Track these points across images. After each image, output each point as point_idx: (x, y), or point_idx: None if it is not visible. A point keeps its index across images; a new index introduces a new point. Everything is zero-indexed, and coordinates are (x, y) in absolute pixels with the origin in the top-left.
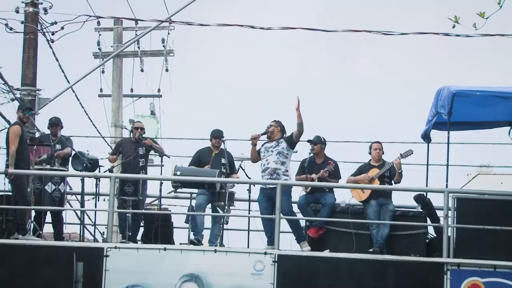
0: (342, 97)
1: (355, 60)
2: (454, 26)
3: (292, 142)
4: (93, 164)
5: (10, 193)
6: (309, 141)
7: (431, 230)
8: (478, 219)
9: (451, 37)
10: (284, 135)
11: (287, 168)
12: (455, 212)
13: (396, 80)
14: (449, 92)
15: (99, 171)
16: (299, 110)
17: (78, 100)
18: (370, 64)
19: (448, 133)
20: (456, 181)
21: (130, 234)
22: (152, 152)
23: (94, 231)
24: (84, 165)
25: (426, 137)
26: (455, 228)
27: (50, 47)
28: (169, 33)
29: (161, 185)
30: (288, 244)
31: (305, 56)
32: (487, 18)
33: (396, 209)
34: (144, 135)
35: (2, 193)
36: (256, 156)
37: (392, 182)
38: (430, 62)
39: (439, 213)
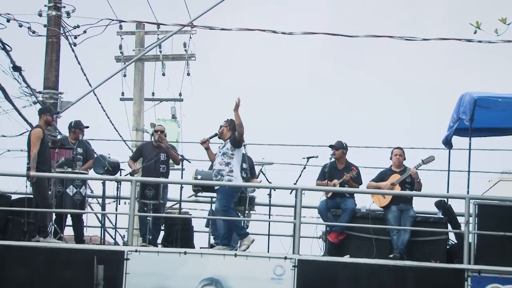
0: (361, 102)
1: (375, 63)
2: (475, 32)
3: (235, 143)
4: (114, 168)
5: (32, 196)
6: (330, 146)
7: (452, 236)
8: (499, 225)
9: (473, 43)
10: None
11: (232, 168)
12: (476, 218)
13: (417, 84)
14: (471, 98)
15: (120, 175)
16: (236, 111)
17: (100, 103)
18: (391, 67)
19: (470, 139)
20: (478, 187)
21: (150, 237)
22: None
23: (115, 234)
24: (106, 168)
25: (448, 143)
26: (476, 235)
27: (73, 50)
28: (190, 37)
29: (181, 189)
30: (308, 249)
31: (322, 59)
32: (509, 24)
33: (416, 215)
34: (164, 139)
35: (24, 196)
36: (214, 158)
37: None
38: (452, 67)
39: (460, 219)
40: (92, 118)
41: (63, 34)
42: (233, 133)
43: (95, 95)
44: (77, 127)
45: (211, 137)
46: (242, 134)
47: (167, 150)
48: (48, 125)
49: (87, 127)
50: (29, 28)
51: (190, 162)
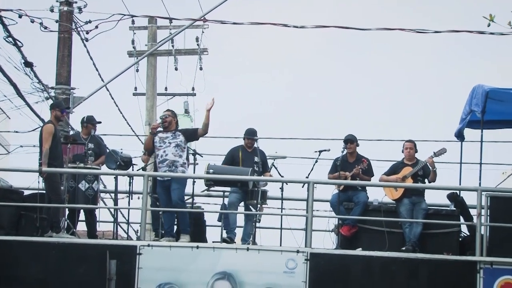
0: (372, 95)
1: (384, 57)
2: (489, 25)
3: (191, 137)
4: (126, 163)
5: (44, 192)
6: (346, 140)
7: (464, 228)
8: (511, 217)
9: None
10: (178, 127)
11: (184, 160)
12: (488, 210)
13: (429, 78)
14: (483, 91)
15: (133, 170)
16: (209, 111)
17: (112, 98)
18: (401, 62)
19: (482, 132)
20: (492, 180)
21: (163, 232)
22: None
23: (128, 229)
24: (118, 163)
25: (460, 135)
26: (488, 227)
27: (85, 45)
28: (203, 32)
29: (194, 184)
30: (320, 243)
31: (334, 54)
32: None
33: (429, 207)
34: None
35: (36, 192)
36: (151, 146)
37: (426, 180)
38: (464, 60)
39: (472, 212)
40: (105, 113)
41: (75, 30)
42: (177, 125)
43: (108, 90)
44: (89, 122)
45: (160, 125)
46: (206, 134)
47: None
48: (58, 120)
49: (100, 122)
50: (41, 23)
51: (202, 157)
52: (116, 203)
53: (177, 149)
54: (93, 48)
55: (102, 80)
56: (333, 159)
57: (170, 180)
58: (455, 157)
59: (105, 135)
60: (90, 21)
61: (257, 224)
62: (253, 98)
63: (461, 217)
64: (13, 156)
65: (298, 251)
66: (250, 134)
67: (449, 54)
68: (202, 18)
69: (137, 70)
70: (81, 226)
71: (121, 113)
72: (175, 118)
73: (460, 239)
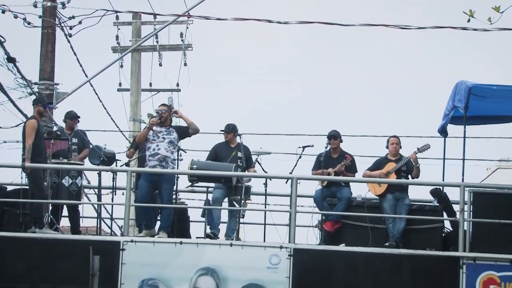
0: (358, 91)
1: (370, 52)
2: (469, 20)
3: (184, 135)
4: (110, 158)
5: (27, 187)
6: (329, 136)
7: (447, 224)
8: (494, 213)
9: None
10: (171, 122)
11: (175, 157)
12: (471, 206)
13: (412, 74)
14: (465, 87)
15: (116, 165)
16: (181, 116)
17: (96, 94)
18: (386, 57)
19: (464, 127)
20: (476, 175)
21: (143, 225)
22: None
23: (111, 225)
24: (101, 159)
25: (443, 131)
26: (471, 222)
27: (68, 41)
28: (187, 27)
29: (177, 179)
30: (304, 238)
31: (317, 49)
32: (502, 12)
33: (412, 203)
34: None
35: (19, 187)
36: (145, 139)
37: (409, 176)
38: (447, 56)
39: (456, 207)
40: (89, 109)
41: (59, 25)
42: (171, 121)
43: (92, 86)
44: (66, 117)
45: (158, 120)
46: (197, 132)
47: None
48: (41, 116)
49: (79, 117)
50: (24, 19)
51: (185, 152)
52: (99, 199)
53: (170, 145)
54: (76, 43)
55: (86, 76)
56: (317, 155)
57: (158, 175)
58: (438, 153)
59: (89, 130)
60: (73, 17)
61: (241, 220)
62: (238, 94)
63: (444, 213)
64: None
65: (281, 247)
66: (225, 129)
67: (432, 49)
68: (186, 14)
69: (121, 66)
70: (65, 222)
71: (105, 108)
72: (170, 114)
73: (443, 235)
